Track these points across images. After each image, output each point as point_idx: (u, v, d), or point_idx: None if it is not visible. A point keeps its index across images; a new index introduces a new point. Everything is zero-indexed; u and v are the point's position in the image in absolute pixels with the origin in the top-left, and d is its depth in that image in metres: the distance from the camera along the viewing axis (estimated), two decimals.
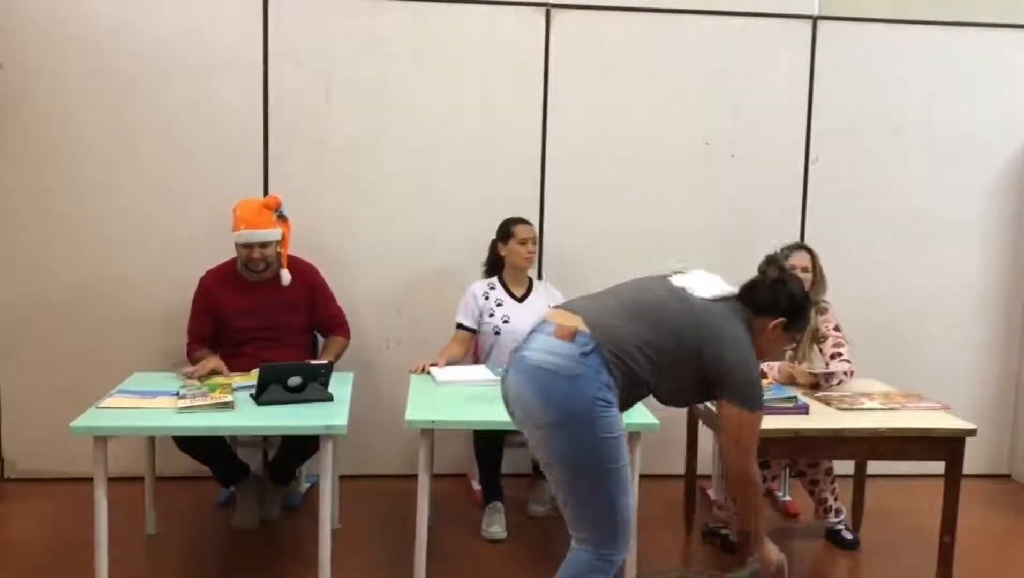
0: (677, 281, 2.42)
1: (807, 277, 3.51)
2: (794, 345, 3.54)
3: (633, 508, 2.32)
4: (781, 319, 2.41)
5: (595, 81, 4.19)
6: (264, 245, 3.57)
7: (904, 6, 4.27)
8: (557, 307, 2.41)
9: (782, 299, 2.42)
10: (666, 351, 2.26)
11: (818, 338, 3.56)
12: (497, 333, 3.81)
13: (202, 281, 3.69)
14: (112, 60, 3.96)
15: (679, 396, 2.39)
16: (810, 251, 3.59)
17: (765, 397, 3.06)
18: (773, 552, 2.43)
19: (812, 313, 2.50)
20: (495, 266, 3.94)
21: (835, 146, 4.30)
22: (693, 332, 2.28)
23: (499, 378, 3.33)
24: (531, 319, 3.71)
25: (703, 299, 2.36)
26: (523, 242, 3.82)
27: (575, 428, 2.18)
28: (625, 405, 2.30)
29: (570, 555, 2.31)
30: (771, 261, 2.51)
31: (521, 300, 3.88)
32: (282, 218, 3.66)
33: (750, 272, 3.64)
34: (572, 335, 2.21)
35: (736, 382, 2.29)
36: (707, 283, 2.42)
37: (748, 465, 2.35)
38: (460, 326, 3.86)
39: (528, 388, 2.22)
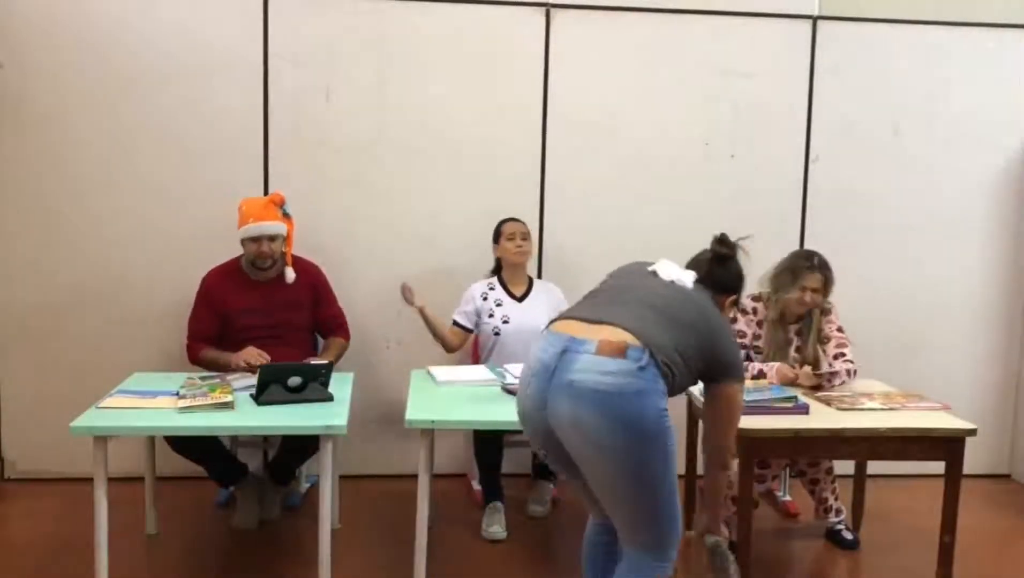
0: (664, 274, 2.45)
1: (818, 297, 3.46)
2: (797, 347, 3.54)
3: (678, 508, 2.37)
4: (733, 296, 2.55)
5: (595, 81, 4.19)
6: (272, 239, 3.58)
7: (904, 6, 4.27)
8: (572, 318, 2.34)
9: (734, 276, 2.56)
10: (690, 347, 2.29)
11: (822, 339, 3.56)
12: (497, 333, 3.82)
13: (205, 280, 3.69)
14: (112, 60, 3.96)
15: (683, 386, 2.40)
16: (823, 270, 3.49)
17: (765, 397, 3.10)
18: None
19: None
20: (497, 268, 3.96)
21: (835, 146, 4.30)
22: (702, 324, 2.34)
23: (497, 377, 3.37)
24: (531, 318, 3.74)
25: (687, 290, 2.42)
26: (511, 238, 3.83)
27: (648, 443, 2.19)
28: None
29: (628, 561, 2.34)
30: (723, 241, 2.55)
31: (521, 300, 3.88)
32: (286, 215, 3.67)
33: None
34: (623, 351, 2.18)
35: (735, 364, 2.41)
36: (675, 270, 2.47)
37: (733, 439, 2.48)
38: (454, 322, 3.87)
39: (591, 412, 2.16)
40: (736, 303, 2.58)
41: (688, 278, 2.43)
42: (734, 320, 2.62)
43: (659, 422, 2.18)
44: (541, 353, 2.28)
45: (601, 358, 2.17)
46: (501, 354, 3.77)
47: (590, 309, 2.36)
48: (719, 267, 2.52)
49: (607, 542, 2.52)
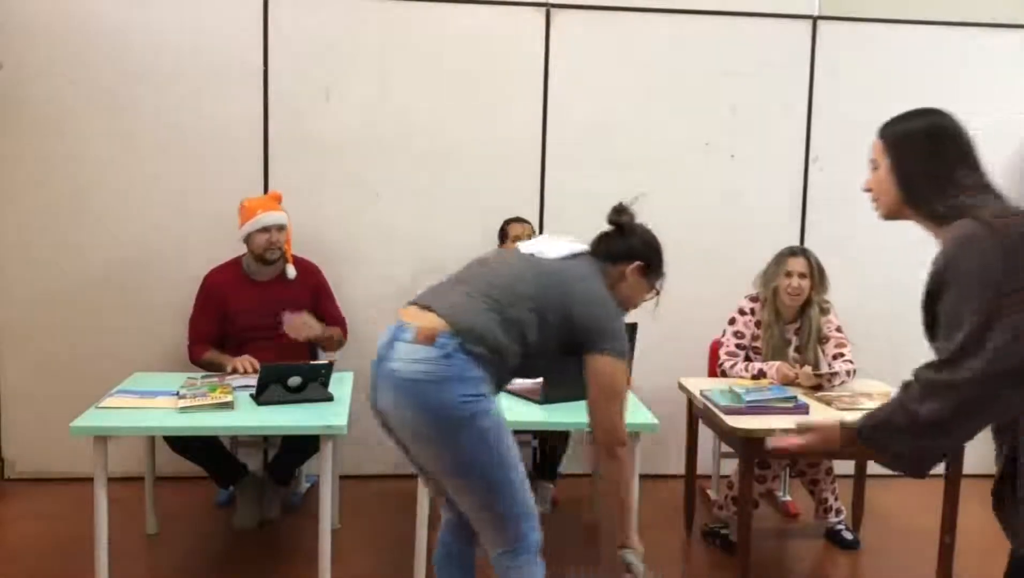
0: (525, 248, 2.35)
1: (805, 283, 3.50)
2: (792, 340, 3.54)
3: (531, 499, 2.25)
4: (638, 263, 2.38)
5: (595, 81, 4.19)
6: (280, 228, 3.62)
7: (904, 6, 4.27)
8: (411, 303, 2.29)
9: (635, 243, 2.41)
10: (529, 324, 2.18)
11: (821, 339, 3.57)
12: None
13: (206, 280, 3.69)
14: (112, 60, 3.96)
15: (549, 367, 2.30)
16: (806, 254, 3.58)
17: (765, 397, 3.10)
18: (640, 545, 2.37)
19: (663, 261, 2.45)
20: None
21: (835, 146, 4.31)
22: (553, 296, 2.21)
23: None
24: None
25: (553, 260, 2.30)
26: (516, 239, 3.83)
27: (456, 433, 2.11)
28: (502, 385, 2.27)
29: (495, 564, 2.26)
30: (619, 210, 2.44)
31: None
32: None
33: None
34: (433, 338, 2.12)
35: (606, 333, 2.22)
36: (555, 244, 2.36)
37: (621, 422, 2.25)
38: None
39: (402, 401, 2.14)
40: (647, 272, 2.40)
41: (556, 251, 2.32)
42: (654, 292, 2.45)
43: (462, 410, 2.09)
44: (380, 339, 2.26)
45: (414, 345, 2.14)
46: None
47: (429, 293, 2.30)
48: (616, 236, 2.41)
49: (459, 550, 2.43)
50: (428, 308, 2.21)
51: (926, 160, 1.83)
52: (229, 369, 3.42)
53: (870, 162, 1.92)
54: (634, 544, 2.38)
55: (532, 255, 2.32)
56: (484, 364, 2.14)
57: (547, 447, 3.92)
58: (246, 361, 3.43)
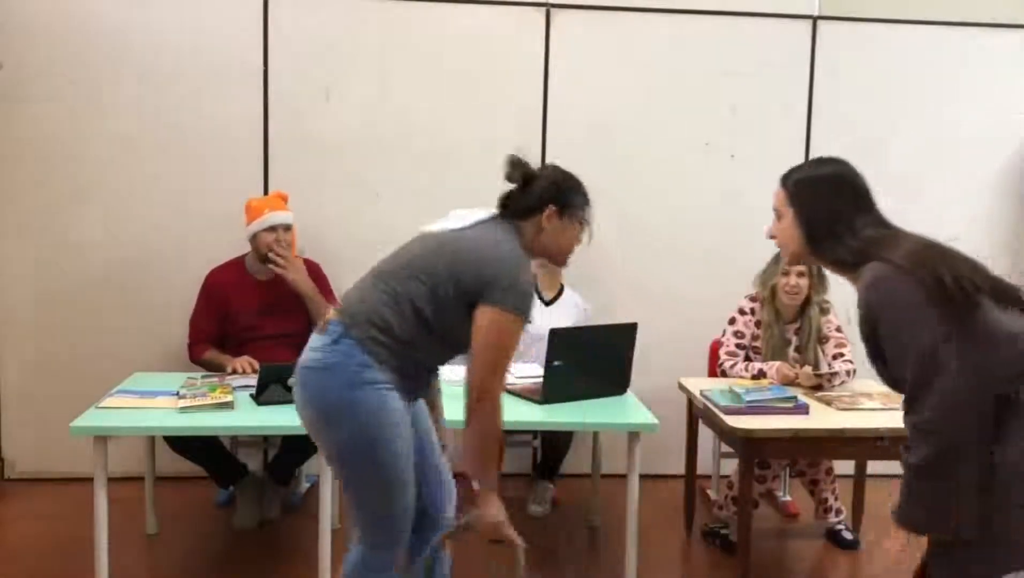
0: (430, 228, 2.30)
1: (803, 281, 3.50)
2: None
3: (409, 500, 2.18)
4: (549, 208, 2.26)
5: (595, 81, 4.19)
6: (287, 228, 3.63)
7: (904, 6, 4.27)
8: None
9: (538, 191, 2.27)
10: (420, 296, 2.11)
11: (821, 339, 3.57)
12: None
13: (208, 279, 3.69)
14: (112, 60, 3.96)
15: (466, 341, 2.16)
16: None
17: (765, 397, 3.09)
18: (495, 508, 2.23)
19: (581, 192, 2.31)
20: None
21: (835, 146, 4.28)
22: (441, 263, 2.14)
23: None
24: (553, 324, 3.67)
25: (452, 230, 2.23)
26: None
27: (337, 419, 2.08)
28: (416, 377, 2.18)
29: (346, 555, 2.22)
30: (513, 164, 2.31)
31: (549, 303, 3.86)
32: None
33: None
34: (325, 325, 2.14)
35: (494, 285, 2.09)
36: (459, 216, 2.28)
37: (495, 382, 2.11)
38: None
39: (297, 389, 2.14)
40: (565, 212, 2.27)
41: (459, 221, 2.25)
42: (583, 226, 2.32)
43: (347, 396, 2.05)
44: None
45: (315, 335, 2.17)
46: (516, 357, 3.73)
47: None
48: (518, 192, 2.29)
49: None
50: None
51: (828, 208, 1.91)
52: (229, 369, 3.42)
53: (774, 211, 2.00)
54: (484, 505, 2.22)
55: (433, 232, 2.26)
56: (375, 349, 2.08)
57: (548, 447, 3.93)
58: (245, 362, 3.43)
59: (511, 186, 2.31)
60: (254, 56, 4.03)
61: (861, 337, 1.86)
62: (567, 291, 3.94)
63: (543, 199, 2.27)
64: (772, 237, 2.02)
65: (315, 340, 2.15)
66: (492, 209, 2.31)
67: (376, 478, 2.11)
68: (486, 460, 2.18)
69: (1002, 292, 1.79)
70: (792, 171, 1.99)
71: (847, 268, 1.91)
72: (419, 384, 2.22)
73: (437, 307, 2.12)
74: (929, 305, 1.73)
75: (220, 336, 3.64)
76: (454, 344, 2.19)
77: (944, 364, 1.71)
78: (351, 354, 2.07)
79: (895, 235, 1.89)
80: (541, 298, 3.87)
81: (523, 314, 2.12)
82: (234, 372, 3.39)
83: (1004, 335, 1.74)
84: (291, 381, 2.20)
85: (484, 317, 2.09)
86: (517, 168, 2.30)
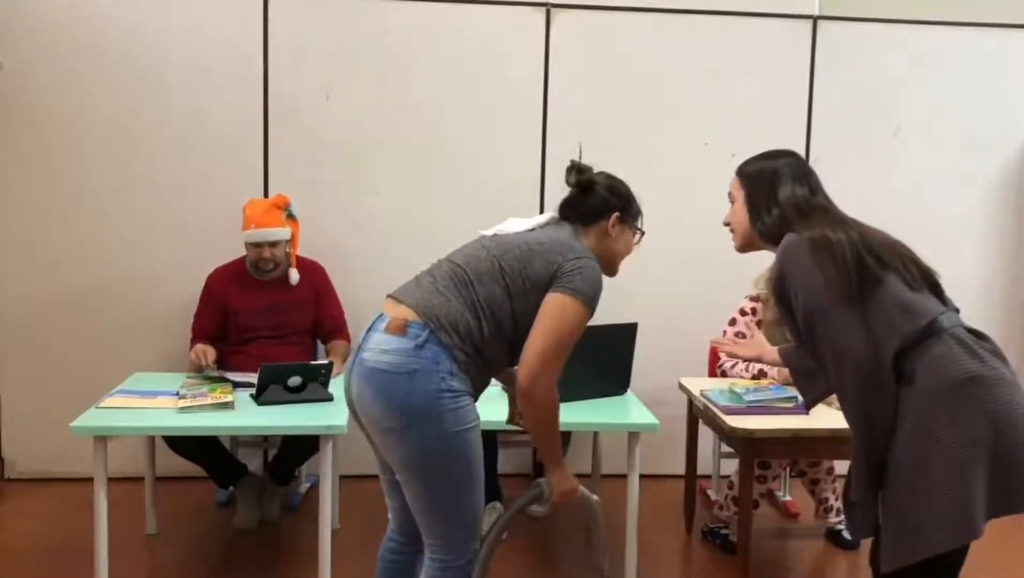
0: (490, 232, 2.27)
1: None
2: None
3: (480, 510, 2.18)
4: (614, 215, 2.29)
5: (595, 81, 4.19)
6: (273, 244, 3.58)
7: (904, 6, 4.27)
8: (390, 295, 2.25)
9: (602, 196, 2.31)
10: (499, 300, 2.10)
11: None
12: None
13: (210, 278, 3.69)
14: (113, 60, 3.96)
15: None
16: None
17: (765, 397, 3.09)
18: (564, 478, 2.24)
19: (636, 199, 2.39)
20: None
21: (835, 146, 4.30)
22: (512, 263, 2.12)
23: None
24: None
25: (515, 233, 2.22)
26: None
27: (420, 428, 2.04)
28: (484, 383, 2.18)
29: (425, 565, 2.20)
30: (577, 170, 2.35)
31: None
32: (291, 217, 3.67)
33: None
34: (403, 327, 2.07)
35: (561, 273, 2.09)
36: (519, 222, 2.28)
37: (550, 369, 2.07)
38: None
39: (368, 391, 2.07)
40: (625, 219, 2.32)
41: (520, 225, 2.25)
42: (639, 232, 2.38)
43: (434, 404, 2.02)
44: (361, 332, 2.22)
45: (386, 336, 2.09)
46: None
47: (403, 286, 2.27)
48: (580, 197, 2.31)
49: (402, 562, 2.34)
50: (400, 300, 2.17)
51: (767, 186, 2.11)
52: (192, 357, 3.43)
53: (728, 196, 2.23)
54: (554, 476, 2.24)
55: (495, 235, 2.25)
56: (458, 356, 2.06)
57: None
58: (199, 350, 3.43)
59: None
60: (254, 56, 4.03)
61: (773, 298, 2.05)
62: None
63: (608, 205, 2.30)
64: (727, 224, 2.22)
65: (391, 341, 2.07)
66: (550, 214, 2.33)
67: (456, 482, 2.10)
68: (549, 442, 2.19)
69: (913, 272, 1.96)
70: (747, 160, 2.21)
71: (773, 241, 2.07)
72: (483, 388, 2.22)
73: (515, 311, 2.11)
74: (823, 273, 1.89)
75: (220, 335, 3.64)
76: (519, 344, 2.16)
77: (834, 327, 1.87)
78: (438, 361, 2.05)
79: (821, 211, 2.05)
80: None
81: (590, 304, 2.10)
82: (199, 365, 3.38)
83: (899, 307, 1.87)
84: (353, 384, 2.15)
85: (551, 302, 2.08)
86: (582, 174, 2.33)
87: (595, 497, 2.38)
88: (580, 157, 2.38)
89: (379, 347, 2.09)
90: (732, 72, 4.24)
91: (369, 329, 2.17)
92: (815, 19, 4.26)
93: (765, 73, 4.25)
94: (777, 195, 2.08)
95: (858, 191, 4.36)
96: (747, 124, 4.26)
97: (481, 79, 4.15)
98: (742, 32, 4.22)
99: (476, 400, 2.16)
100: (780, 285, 1.98)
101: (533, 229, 2.25)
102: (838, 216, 2.06)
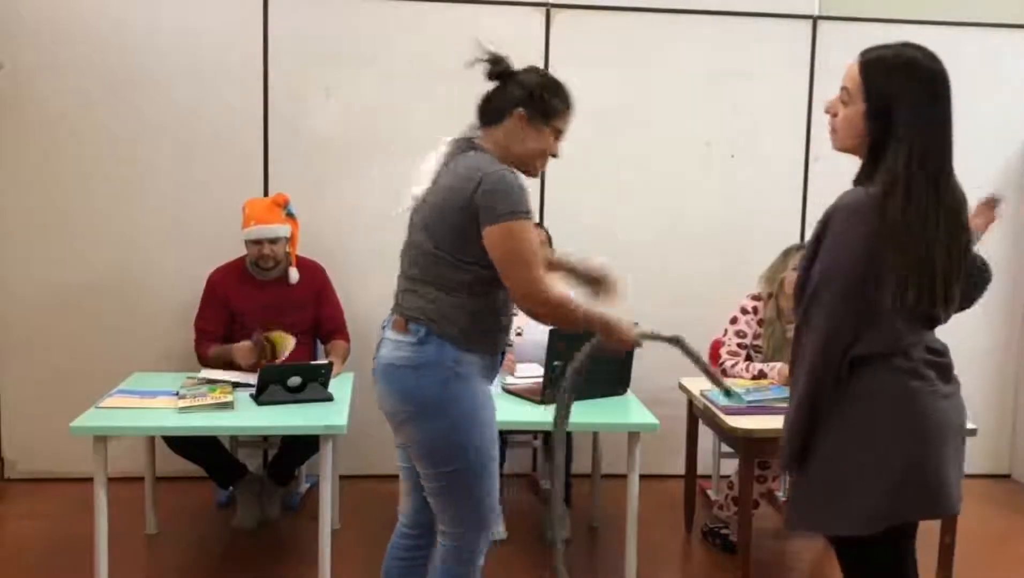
0: (410, 201, 2.26)
1: None
2: None
3: (494, 497, 2.21)
4: (518, 110, 2.18)
5: (595, 81, 4.18)
6: (274, 241, 3.58)
7: (904, 6, 4.27)
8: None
9: (511, 91, 2.20)
10: (453, 266, 2.10)
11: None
12: (509, 345, 3.79)
13: (211, 278, 3.69)
14: (113, 60, 3.96)
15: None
16: None
17: (765, 397, 3.09)
18: (625, 324, 2.19)
19: (560, 95, 2.23)
20: None
21: None
22: (442, 231, 2.11)
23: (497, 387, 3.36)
24: (544, 330, 3.67)
25: (425, 192, 2.20)
26: None
27: (430, 418, 2.12)
28: (496, 348, 2.20)
29: (434, 550, 2.26)
30: (492, 60, 2.26)
31: None
32: (290, 216, 3.67)
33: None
34: (405, 325, 2.15)
35: (479, 207, 2.05)
36: (427, 169, 2.25)
37: (536, 283, 2.06)
38: None
39: (385, 387, 2.18)
40: (533, 115, 2.20)
41: (426, 173, 2.23)
42: (558, 133, 2.24)
43: (442, 392, 2.10)
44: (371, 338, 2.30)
45: (393, 333, 2.18)
46: (517, 357, 3.73)
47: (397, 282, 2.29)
48: (494, 93, 2.24)
49: (411, 560, 2.35)
50: (396, 299, 2.24)
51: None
52: (245, 366, 3.39)
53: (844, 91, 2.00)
54: (604, 333, 2.18)
55: (417, 206, 2.22)
56: (457, 338, 2.11)
57: (548, 447, 3.92)
58: (246, 350, 3.41)
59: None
60: (254, 56, 4.03)
61: (813, 234, 1.94)
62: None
63: (514, 99, 2.19)
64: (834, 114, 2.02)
65: (398, 338, 2.15)
66: (448, 137, 2.27)
67: (470, 467, 2.14)
68: (580, 323, 2.15)
69: (924, 301, 1.83)
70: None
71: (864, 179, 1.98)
72: (497, 355, 2.23)
73: (471, 265, 2.10)
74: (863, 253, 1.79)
75: (225, 335, 3.64)
76: (501, 294, 2.17)
77: (828, 305, 1.82)
78: (441, 351, 2.10)
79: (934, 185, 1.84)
80: None
81: (521, 214, 2.06)
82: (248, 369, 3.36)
83: (888, 321, 1.82)
84: (376, 384, 2.22)
85: (490, 238, 2.05)
86: (497, 64, 2.22)
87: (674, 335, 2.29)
88: (501, 57, 2.27)
89: (391, 345, 2.18)
90: (732, 72, 4.23)
91: (383, 327, 2.27)
92: (815, 19, 4.26)
93: (765, 73, 4.25)
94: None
95: None
96: (747, 124, 4.26)
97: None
98: (742, 32, 4.22)
99: (494, 369, 2.22)
100: (822, 231, 1.90)
101: (437, 174, 2.20)
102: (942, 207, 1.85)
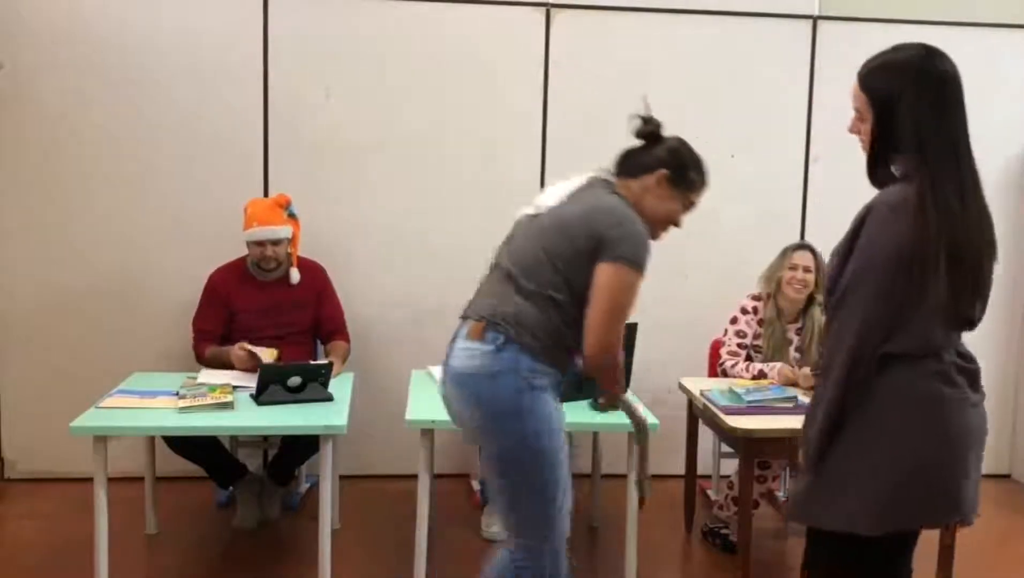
0: (531, 210, 2.27)
1: (810, 277, 3.51)
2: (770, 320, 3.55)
3: (568, 508, 2.23)
4: (662, 171, 2.25)
5: (595, 81, 4.19)
6: (276, 242, 3.58)
7: (904, 6, 4.27)
8: (463, 316, 2.30)
9: (659, 152, 2.28)
10: (556, 285, 2.13)
11: (823, 339, 3.57)
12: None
13: (211, 278, 3.69)
14: (112, 60, 3.96)
15: None
16: (813, 250, 3.58)
17: (765, 397, 3.09)
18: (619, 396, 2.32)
19: (700, 170, 2.30)
20: None
21: (835, 146, 4.29)
22: (557, 247, 2.14)
23: None
24: None
25: (551, 209, 2.21)
26: None
27: (505, 425, 2.13)
28: (566, 367, 2.23)
29: (499, 554, 2.26)
30: (646, 120, 2.31)
31: None
32: (292, 216, 3.67)
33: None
34: (481, 332, 2.15)
35: (607, 240, 2.10)
36: (556, 190, 2.27)
37: (612, 340, 2.12)
38: None
39: (458, 395, 2.19)
40: (674, 180, 2.26)
41: (557, 195, 2.24)
42: (689, 204, 2.32)
43: (517, 402, 2.11)
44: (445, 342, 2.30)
45: (468, 341, 2.18)
46: None
47: (471, 301, 2.30)
48: (640, 149, 2.30)
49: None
50: (473, 306, 2.24)
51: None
52: (239, 367, 3.37)
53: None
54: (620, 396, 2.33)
55: (535, 214, 2.25)
56: (536, 350, 2.13)
57: None
58: (243, 354, 3.38)
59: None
60: (254, 56, 4.02)
61: (848, 232, 1.91)
62: None
63: (659, 160, 2.26)
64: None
65: (473, 346, 2.15)
66: (586, 174, 2.30)
67: (542, 477, 2.15)
68: (613, 385, 2.26)
69: (962, 302, 1.85)
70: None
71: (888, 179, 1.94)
72: (563, 375, 2.25)
73: (571, 289, 2.14)
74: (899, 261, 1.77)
75: (224, 335, 3.64)
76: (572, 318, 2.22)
77: (860, 304, 1.80)
78: (518, 360, 2.12)
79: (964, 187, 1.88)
80: None
81: (639, 266, 2.12)
82: (243, 369, 3.35)
83: (922, 321, 1.79)
84: (447, 389, 2.24)
85: (601, 274, 2.10)
86: (649, 124, 2.30)
87: (644, 417, 2.44)
88: (647, 110, 2.33)
89: (464, 353, 2.18)
90: (732, 72, 4.23)
91: (453, 340, 2.25)
92: (815, 19, 4.26)
93: (765, 73, 4.25)
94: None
95: (858, 191, 4.38)
96: (747, 124, 4.26)
97: (481, 79, 4.14)
98: (742, 32, 4.22)
99: (563, 378, 2.24)
100: (857, 225, 1.90)
101: (569, 197, 2.23)
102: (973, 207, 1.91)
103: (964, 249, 1.82)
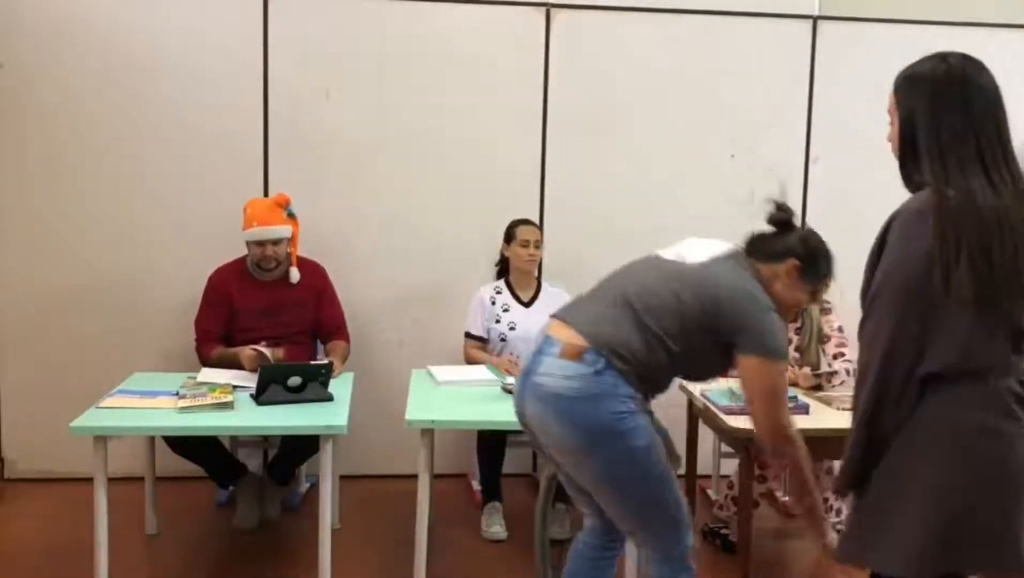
0: (667, 254, 2.31)
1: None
2: (799, 323, 3.55)
3: (683, 499, 2.27)
4: (794, 261, 2.27)
5: (595, 81, 4.19)
6: (276, 242, 3.59)
7: (904, 6, 4.27)
8: (555, 316, 2.28)
9: (792, 241, 2.30)
10: (674, 335, 2.16)
11: (822, 338, 3.57)
12: (503, 339, 3.81)
13: (212, 278, 3.69)
14: (112, 60, 3.96)
15: (710, 370, 2.32)
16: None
17: None
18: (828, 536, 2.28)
19: (829, 262, 2.33)
20: (504, 268, 3.94)
21: (835, 146, 4.30)
22: (694, 304, 2.16)
23: (497, 378, 3.37)
24: (538, 325, 3.68)
25: (695, 264, 2.24)
26: (524, 244, 3.81)
27: (607, 448, 2.13)
28: (652, 398, 2.27)
29: (651, 568, 2.30)
30: (780, 207, 2.35)
31: (528, 305, 3.87)
32: (291, 216, 3.67)
33: None
34: (580, 354, 2.13)
35: (753, 331, 2.15)
36: (700, 247, 2.30)
37: (783, 420, 2.18)
38: (468, 335, 3.85)
39: (552, 415, 2.16)
40: (803, 272, 2.27)
41: (700, 254, 2.26)
42: (815, 295, 2.36)
43: (616, 425, 2.11)
44: (527, 351, 2.28)
45: (562, 361, 2.15)
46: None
47: (571, 306, 2.31)
48: (773, 235, 2.33)
49: (596, 559, 2.43)
50: (568, 322, 2.21)
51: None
52: (249, 368, 3.34)
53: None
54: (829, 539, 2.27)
55: (673, 260, 2.27)
56: (633, 378, 2.15)
57: None
58: (253, 356, 3.35)
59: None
60: (254, 56, 4.02)
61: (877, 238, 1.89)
62: (544, 288, 3.93)
63: (791, 250, 2.29)
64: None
65: (569, 367, 2.13)
66: (726, 243, 2.33)
67: (652, 487, 2.19)
68: (798, 464, 2.24)
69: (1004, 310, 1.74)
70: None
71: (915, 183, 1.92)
72: (649, 404, 2.29)
73: (686, 342, 2.17)
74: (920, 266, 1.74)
75: (226, 335, 3.64)
76: (691, 373, 2.35)
77: (888, 310, 1.78)
78: (616, 385, 2.13)
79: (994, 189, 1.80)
80: (520, 301, 3.87)
81: (784, 356, 2.18)
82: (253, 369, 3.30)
83: (957, 329, 1.72)
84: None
85: (749, 368, 2.16)
86: (783, 212, 2.36)
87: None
88: (784, 197, 2.39)
89: (560, 372, 2.14)
90: (732, 72, 4.23)
91: (538, 352, 2.21)
92: (815, 19, 4.26)
93: (765, 73, 4.25)
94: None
95: (858, 191, 4.39)
96: (747, 124, 4.26)
97: (481, 79, 4.14)
98: (742, 32, 4.22)
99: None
100: (885, 236, 1.87)
101: (709, 261, 2.25)
102: (994, 208, 1.78)
103: (995, 251, 1.72)
